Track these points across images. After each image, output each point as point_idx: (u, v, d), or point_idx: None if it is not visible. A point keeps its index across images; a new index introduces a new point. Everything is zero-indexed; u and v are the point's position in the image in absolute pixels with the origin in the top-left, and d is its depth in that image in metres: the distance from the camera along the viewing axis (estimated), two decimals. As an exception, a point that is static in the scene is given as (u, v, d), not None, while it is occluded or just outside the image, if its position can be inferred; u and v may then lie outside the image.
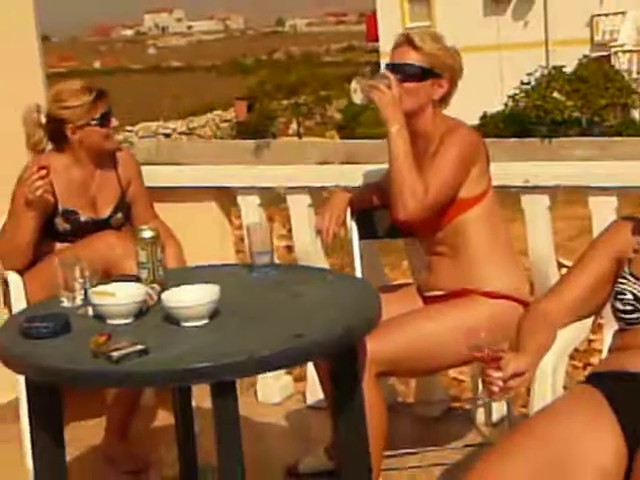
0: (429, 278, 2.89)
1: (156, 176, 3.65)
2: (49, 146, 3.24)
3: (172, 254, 3.12)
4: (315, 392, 3.48)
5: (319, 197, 3.61)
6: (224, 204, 3.84)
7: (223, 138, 31.30)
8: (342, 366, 2.35)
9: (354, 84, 2.79)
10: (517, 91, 25.62)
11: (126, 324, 2.24)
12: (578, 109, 24.39)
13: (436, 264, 2.86)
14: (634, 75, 25.42)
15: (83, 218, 3.21)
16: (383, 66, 2.88)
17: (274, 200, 4.14)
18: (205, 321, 2.20)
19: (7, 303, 3.24)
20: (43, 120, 3.22)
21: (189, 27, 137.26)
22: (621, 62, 26.04)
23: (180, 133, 32.74)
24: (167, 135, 32.14)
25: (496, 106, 25.77)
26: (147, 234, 2.47)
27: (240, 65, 50.36)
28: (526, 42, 27.95)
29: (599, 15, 27.87)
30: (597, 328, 3.73)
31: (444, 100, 2.83)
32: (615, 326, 2.30)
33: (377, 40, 30.40)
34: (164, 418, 3.56)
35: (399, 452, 3.03)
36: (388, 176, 2.82)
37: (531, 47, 27.61)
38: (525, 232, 3.29)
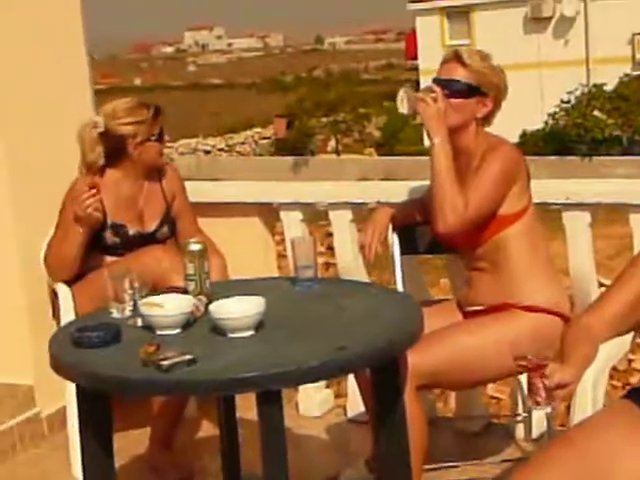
0: (469, 293, 2.93)
1: (200, 191, 3.72)
2: (101, 161, 3.30)
3: (216, 267, 3.17)
4: (355, 406, 3.51)
5: (361, 213, 3.66)
6: (267, 219, 3.90)
7: (262, 155, 31.48)
8: (384, 379, 2.39)
9: (401, 93, 2.84)
10: (557, 109, 25.52)
11: (174, 335, 2.31)
12: (619, 127, 24.23)
13: (476, 279, 2.89)
14: (676, 93, 25.21)
15: (131, 232, 3.28)
16: (422, 84, 2.93)
17: (314, 217, 4.19)
18: (251, 332, 2.25)
19: (56, 314, 3.32)
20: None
21: (229, 44, 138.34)
22: (662, 80, 25.85)
23: (219, 150, 32.97)
24: (207, 152, 32.38)
25: (536, 124, 25.69)
26: (195, 247, 2.53)
27: (279, 82, 50.63)
28: (567, 60, 27.84)
29: (640, 33, 27.70)
30: (636, 348, 3.74)
31: (487, 119, 2.87)
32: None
33: (416, 58, 30.43)
34: (207, 430, 3.62)
35: (439, 465, 3.06)
36: (430, 191, 2.87)
37: (572, 65, 27.49)
38: (566, 250, 3.31)
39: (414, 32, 31.91)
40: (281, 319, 2.37)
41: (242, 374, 2.04)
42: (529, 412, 3.29)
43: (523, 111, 24.52)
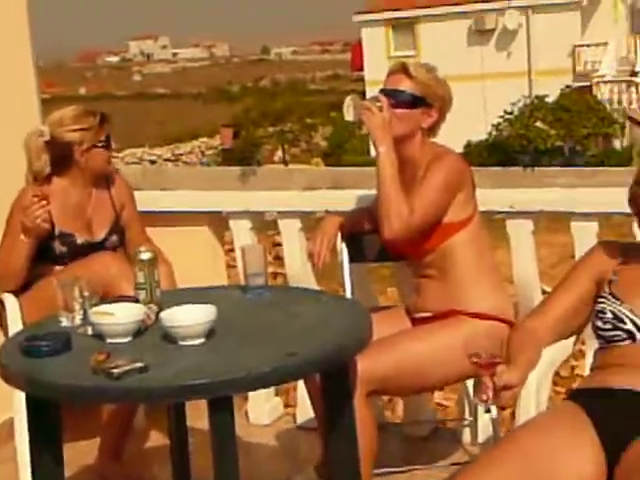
0: (417, 300, 2.97)
1: (149, 200, 3.72)
2: (47, 169, 3.30)
3: (163, 275, 3.18)
4: (305, 412, 3.54)
5: (309, 221, 3.69)
6: (216, 228, 3.92)
7: (209, 165, 31.40)
8: (334, 384, 2.42)
9: (348, 101, 2.89)
10: (500, 120, 25.87)
11: (125, 343, 2.31)
12: (561, 138, 24.64)
13: (424, 287, 2.94)
14: (615, 105, 25.73)
15: (79, 241, 3.28)
16: (368, 95, 2.98)
17: (261, 227, 4.22)
18: (202, 340, 2.27)
19: (3, 325, 3.29)
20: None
21: (174, 54, 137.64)
22: (602, 92, 26.35)
23: (165, 160, 32.81)
24: (152, 162, 32.20)
25: (480, 135, 26.02)
26: (145, 255, 2.54)
27: (225, 92, 50.58)
28: (509, 72, 28.24)
29: (581, 46, 28.22)
30: (579, 354, 3.82)
31: (433, 129, 2.93)
32: (596, 345, 2.38)
33: (362, 69, 30.64)
34: (156, 440, 3.61)
35: (387, 470, 3.09)
36: (377, 200, 2.91)
37: (514, 77, 27.89)
38: (510, 258, 3.39)
39: (360, 43, 32.12)
40: (232, 327, 2.38)
41: (193, 381, 2.05)
42: (475, 417, 3.35)
43: (467, 122, 24.80)
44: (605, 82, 26.56)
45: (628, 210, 2.35)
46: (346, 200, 3.43)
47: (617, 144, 25.23)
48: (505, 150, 24.90)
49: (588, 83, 26.86)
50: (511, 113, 25.76)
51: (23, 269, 3.20)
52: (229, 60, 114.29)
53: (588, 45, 28.16)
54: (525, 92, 27.06)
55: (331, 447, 2.51)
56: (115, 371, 2.09)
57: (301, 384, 3.43)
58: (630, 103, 25.78)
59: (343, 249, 3.19)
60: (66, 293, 2.50)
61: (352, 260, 3.21)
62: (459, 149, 23.53)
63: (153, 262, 2.55)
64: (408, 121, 2.87)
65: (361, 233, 3.18)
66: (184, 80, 74.69)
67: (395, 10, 30.22)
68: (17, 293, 3.25)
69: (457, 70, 26.09)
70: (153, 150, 33.18)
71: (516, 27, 29.03)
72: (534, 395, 2.55)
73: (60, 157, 3.27)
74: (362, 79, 30.32)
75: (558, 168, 23.48)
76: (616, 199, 3.18)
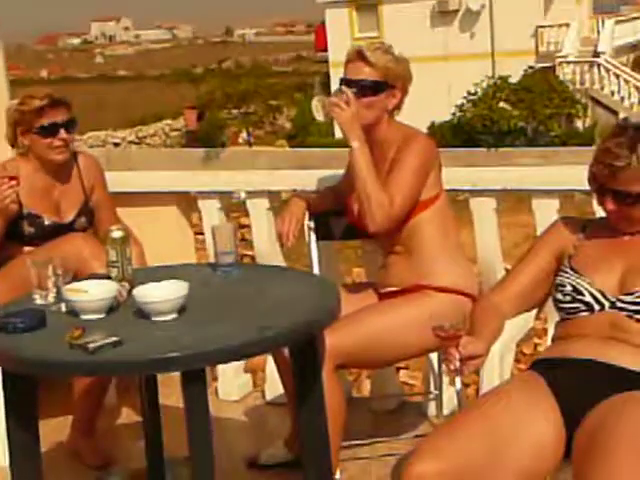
0: (384, 276, 3.04)
1: (118, 181, 3.75)
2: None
3: (135, 256, 3.22)
4: (274, 388, 3.61)
5: (277, 201, 3.75)
6: (185, 208, 3.96)
7: (173, 147, 31.27)
8: (303, 358, 2.49)
9: (315, 102, 2.91)
10: (464, 101, 26.01)
11: (99, 319, 2.36)
12: (524, 119, 24.83)
13: (392, 262, 3.01)
14: (577, 86, 25.96)
15: (47, 222, 3.31)
16: (333, 76, 3.02)
17: (227, 208, 4.27)
18: (174, 315, 2.32)
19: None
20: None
21: (136, 36, 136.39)
22: (565, 73, 26.56)
23: (129, 142, 32.62)
24: (116, 144, 32.01)
25: (444, 116, 26.15)
26: (117, 234, 2.58)
27: (189, 74, 50.25)
28: (473, 53, 28.38)
29: (543, 27, 28.41)
30: (542, 332, 3.91)
31: (398, 107, 2.98)
32: (557, 318, 2.47)
33: (326, 50, 30.62)
34: (128, 416, 3.67)
35: (355, 443, 3.17)
36: (345, 184, 2.96)
37: (477, 58, 28.04)
38: (473, 238, 3.47)
39: (324, 25, 32.08)
40: (203, 302, 2.44)
41: (167, 354, 2.11)
42: (440, 390, 3.44)
43: (431, 103, 24.92)
44: (568, 62, 26.78)
45: (588, 188, 2.43)
46: (313, 180, 3.49)
47: (580, 124, 25.49)
48: (469, 131, 25.05)
49: (551, 64, 27.08)
50: (474, 94, 25.91)
51: (-7, 250, 3.23)
52: (192, 42, 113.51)
53: (551, 26, 28.35)
54: (488, 73, 27.22)
55: (301, 420, 2.58)
56: (90, 345, 2.14)
57: (270, 361, 3.49)
58: (592, 83, 26.03)
59: (311, 227, 3.25)
60: (39, 272, 2.53)
61: (320, 238, 3.27)
62: (423, 130, 23.63)
63: (125, 240, 2.59)
64: (374, 107, 2.91)
65: (328, 212, 3.24)
66: (147, 62, 74.13)
67: (359, -9, 30.20)
68: (-12, 273, 3.28)
69: (421, 51, 26.16)
70: (117, 133, 32.97)
71: (479, 8, 29.17)
72: (497, 366, 2.65)
73: (13, 137, 3.30)
74: (326, 60, 30.30)
75: (521, 149, 23.69)
76: (576, 177, 3.28)
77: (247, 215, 3.85)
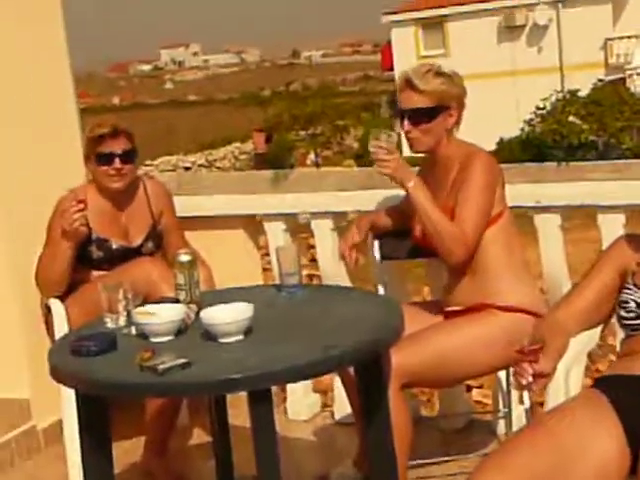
0: (450, 294, 3.05)
1: (186, 205, 3.83)
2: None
3: (203, 278, 3.29)
4: (342, 407, 3.64)
5: (341, 222, 3.79)
6: (251, 231, 4.02)
7: (242, 170, 31.59)
8: (369, 377, 2.51)
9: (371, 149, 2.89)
10: (533, 116, 25.79)
11: (168, 341, 2.42)
12: (594, 132, 24.52)
13: (456, 281, 3.01)
14: (649, 97, 25.56)
15: (115, 246, 3.39)
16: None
17: (295, 229, 4.32)
18: (240, 337, 2.37)
19: (49, 329, 3.42)
20: None
21: (205, 61, 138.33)
22: (636, 85, 26.17)
23: (199, 166, 33.08)
24: (187, 168, 32.47)
25: (512, 131, 25.95)
26: (185, 258, 2.65)
27: (257, 97, 50.78)
28: (541, 67, 28.16)
29: (613, 39, 28.06)
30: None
31: (457, 123, 2.99)
32: (622, 335, 2.45)
33: (392, 69, 30.69)
34: (199, 437, 3.73)
35: (423, 462, 3.17)
36: (408, 205, 2.97)
37: (546, 72, 27.82)
38: (538, 253, 3.45)
39: (389, 44, 32.17)
40: (269, 323, 2.49)
41: (233, 375, 2.15)
42: (509, 408, 3.42)
43: (499, 118, 24.80)
44: (638, 74, 26.37)
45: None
46: (377, 200, 3.51)
47: (652, 136, 25.07)
48: (538, 146, 24.81)
49: (621, 76, 26.70)
50: (543, 108, 25.67)
51: (65, 274, 3.32)
52: (260, 65, 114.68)
53: (620, 38, 28.00)
54: (557, 87, 26.96)
55: (368, 439, 2.60)
56: (160, 367, 2.20)
57: (338, 381, 3.52)
58: (664, 95, 25.60)
59: (375, 247, 3.28)
60: (110, 296, 2.61)
61: (384, 258, 3.30)
62: (491, 146, 23.49)
63: (192, 264, 2.66)
64: (433, 132, 2.92)
65: (392, 232, 3.26)
66: (216, 86, 75.11)
67: (424, 9, 30.21)
68: (62, 298, 3.38)
69: (488, 67, 26.09)
70: (187, 157, 33.46)
71: (546, 22, 28.95)
72: (563, 384, 2.62)
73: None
74: (393, 79, 30.33)
75: (593, 162, 23.35)
76: (642, 191, 3.25)
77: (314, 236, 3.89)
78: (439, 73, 2.93)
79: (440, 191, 2.94)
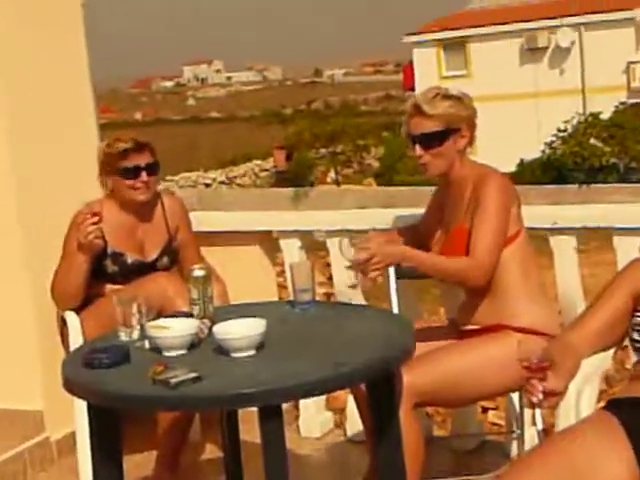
0: (466, 313, 3.05)
1: (202, 221, 3.86)
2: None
3: (217, 294, 3.31)
4: (354, 425, 3.64)
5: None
6: (267, 248, 4.04)
7: (262, 187, 31.71)
8: (380, 394, 2.51)
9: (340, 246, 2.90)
10: (554, 138, 25.76)
11: (180, 355, 2.43)
12: (615, 155, 24.45)
13: (472, 300, 3.01)
14: (671, 121, 25.47)
15: (130, 260, 3.42)
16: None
17: (313, 247, 4.32)
18: (253, 352, 2.38)
19: (64, 341, 3.45)
20: None
21: (228, 78, 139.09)
22: (658, 108, 26.11)
23: (220, 182, 33.21)
24: (207, 185, 32.62)
25: (533, 153, 25.92)
26: (199, 273, 2.67)
27: (279, 115, 51.01)
28: (562, 90, 28.14)
29: (635, 62, 28.01)
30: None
31: (469, 144, 2.99)
32: (635, 358, 2.44)
33: (414, 89, 30.75)
34: (211, 452, 3.73)
35: (435, 481, 3.17)
36: (424, 225, 2.98)
37: (568, 94, 27.79)
38: (554, 274, 3.44)
39: (411, 64, 32.25)
40: (281, 339, 2.50)
41: (245, 390, 2.17)
42: (522, 429, 3.41)
43: (520, 140, 24.77)
44: (660, 98, 26.33)
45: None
46: (394, 219, 3.52)
47: (674, 160, 24.95)
48: (559, 168, 24.78)
49: (643, 99, 26.65)
50: (565, 131, 25.64)
51: (80, 288, 3.35)
52: (282, 83, 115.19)
53: (642, 61, 27.94)
54: (579, 109, 26.93)
55: (379, 456, 2.60)
56: (172, 381, 2.21)
57: (350, 399, 3.52)
58: (686, 119, 25.50)
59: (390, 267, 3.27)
60: (124, 310, 2.63)
61: (400, 277, 3.30)
62: (512, 167, 23.46)
63: (206, 279, 2.68)
64: (444, 155, 2.94)
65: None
66: (238, 104, 75.46)
67: (445, 30, 30.28)
68: (77, 310, 3.40)
69: (510, 89, 26.09)
70: (208, 173, 33.61)
71: (569, 45, 28.95)
72: (574, 405, 2.61)
73: (100, 177, 3.44)
74: (414, 99, 30.39)
75: (613, 185, 23.30)
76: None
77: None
78: (447, 96, 2.93)
79: (457, 211, 2.95)
